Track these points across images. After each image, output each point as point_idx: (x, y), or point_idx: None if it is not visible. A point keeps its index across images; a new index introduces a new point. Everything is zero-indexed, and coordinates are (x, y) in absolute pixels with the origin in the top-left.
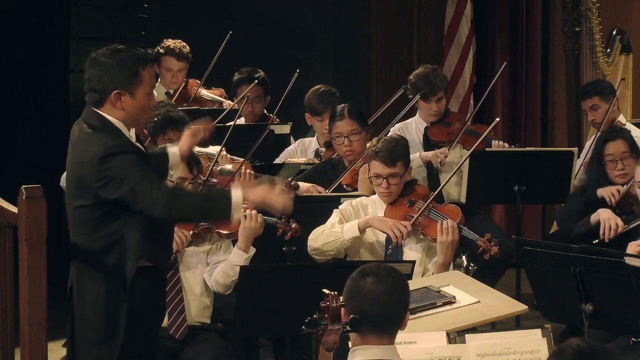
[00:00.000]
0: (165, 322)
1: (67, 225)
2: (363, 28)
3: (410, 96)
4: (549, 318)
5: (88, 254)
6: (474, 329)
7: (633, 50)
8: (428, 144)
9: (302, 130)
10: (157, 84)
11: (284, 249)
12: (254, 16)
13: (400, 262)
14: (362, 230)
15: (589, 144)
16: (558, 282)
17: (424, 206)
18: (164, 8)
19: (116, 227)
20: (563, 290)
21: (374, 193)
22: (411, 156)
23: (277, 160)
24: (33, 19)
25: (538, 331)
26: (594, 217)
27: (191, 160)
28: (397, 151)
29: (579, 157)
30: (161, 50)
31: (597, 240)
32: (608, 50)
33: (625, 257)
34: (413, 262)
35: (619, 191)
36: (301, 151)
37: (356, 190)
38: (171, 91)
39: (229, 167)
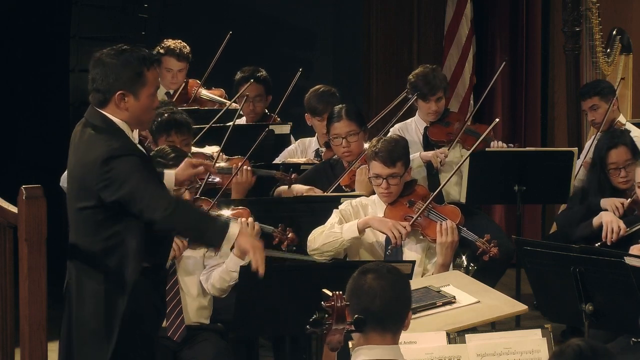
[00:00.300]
0: (164, 323)
1: (67, 225)
2: (363, 28)
3: (410, 96)
4: (549, 318)
5: (88, 255)
6: (474, 329)
7: (633, 50)
8: (428, 144)
9: (302, 130)
10: None
11: (283, 248)
12: (254, 16)
13: (400, 262)
14: (361, 231)
15: (589, 144)
16: (558, 282)
17: (424, 207)
18: (164, 8)
19: (118, 229)
20: (563, 290)
21: (372, 194)
22: (411, 156)
23: (277, 160)
24: (33, 19)
25: (538, 331)
26: (596, 220)
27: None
28: (397, 151)
29: (579, 157)
30: (161, 51)
31: (599, 243)
32: (608, 50)
33: (625, 257)
34: (413, 262)
35: (622, 204)
36: (301, 151)
37: (355, 191)
38: (171, 91)
39: (224, 164)
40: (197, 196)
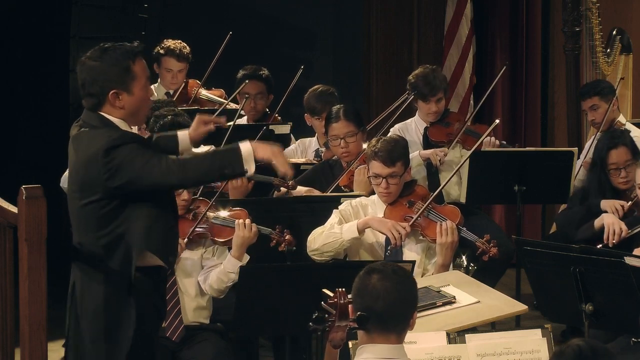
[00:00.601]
0: (163, 323)
1: (67, 225)
2: (363, 28)
3: (409, 96)
4: (549, 318)
5: (93, 253)
6: (474, 329)
7: (633, 50)
8: (428, 144)
9: (302, 130)
10: (157, 84)
11: (281, 250)
12: (254, 16)
13: (400, 262)
14: (361, 231)
15: (589, 144)
16: (558, 282)
17: (424, 207)
18: (164, 8)
19: (121, 221)
20: (563, 290)
21: (371, 194)
22: (410, 155)
23: None
24: (33, 19)
25: (538, 331)
26: (597, 222)
27: None
28: (397, 151)
29: (579, 157)
30: (161, 51)
31: (600, 245)
32: (608, 50)
33: (625, 257)
34: (413, 262)
35: (623, 207)
36: (301, 151)
37: (354, 191)
38: (171, 91)
39: None
40: (196, 196)
